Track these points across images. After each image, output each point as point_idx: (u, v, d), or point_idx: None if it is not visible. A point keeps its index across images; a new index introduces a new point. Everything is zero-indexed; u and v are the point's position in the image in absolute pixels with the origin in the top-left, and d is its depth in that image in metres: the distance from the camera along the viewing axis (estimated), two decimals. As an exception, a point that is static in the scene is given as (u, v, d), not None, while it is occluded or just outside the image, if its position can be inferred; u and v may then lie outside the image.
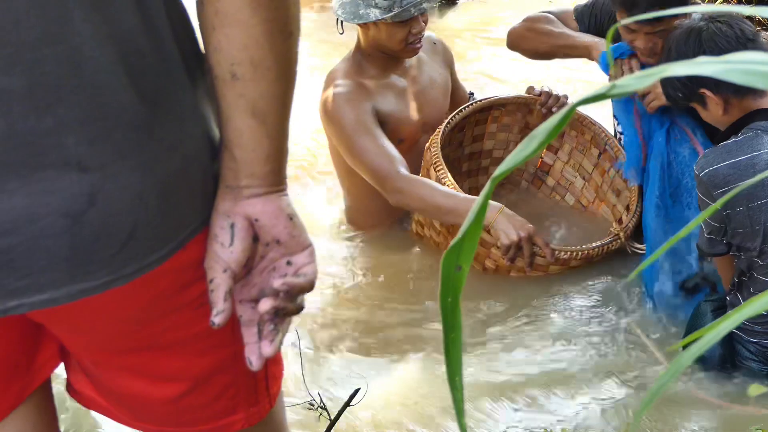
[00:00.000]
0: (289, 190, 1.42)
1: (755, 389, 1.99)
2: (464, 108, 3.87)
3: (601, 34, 3.71)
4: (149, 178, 1.30)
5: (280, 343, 1.43)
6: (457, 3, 6.93)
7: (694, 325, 3.20)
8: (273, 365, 1.57)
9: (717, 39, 2.99)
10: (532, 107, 4.00)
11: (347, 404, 2.86)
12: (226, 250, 1.37)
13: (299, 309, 1.43)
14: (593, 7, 3.82)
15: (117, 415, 1.57)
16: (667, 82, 3.15)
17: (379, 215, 3.92)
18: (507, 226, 3.43)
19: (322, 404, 2.93)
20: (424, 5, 3.66)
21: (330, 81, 3.78)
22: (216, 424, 1.55)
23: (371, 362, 3.30)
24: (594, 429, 2.97)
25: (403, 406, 3.06)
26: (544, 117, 3.95)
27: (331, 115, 3.70)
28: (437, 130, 3.70)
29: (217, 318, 1.36)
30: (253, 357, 1.41)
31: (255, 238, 1.39)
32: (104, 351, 1.44)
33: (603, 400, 3.10)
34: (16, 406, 1.46)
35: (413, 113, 3.84)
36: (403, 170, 3.59)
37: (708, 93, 3.02)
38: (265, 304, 1.38)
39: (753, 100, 3.02)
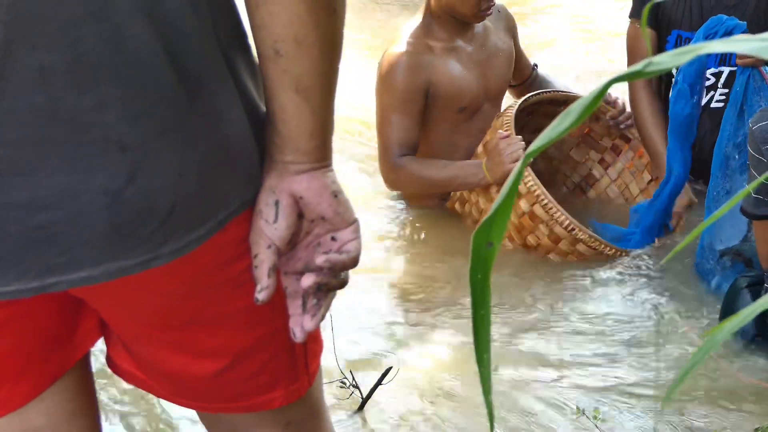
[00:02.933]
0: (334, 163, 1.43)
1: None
2: (540, 93, 3.87)
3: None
4: (189, 156, 1.31)
5: (323, 317, 1.45)
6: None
7: (729, 302, 3.17)
8: (312, 343, 1.57)
9: None
10: (600, 115, 3.96)
11: (379, 383, 2.88)
12: (270, 226, 1.38)
13: (343, 284, 1.45)
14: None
15: (157, 390, 1.58)
16: None
17: None
18: (497, 167, 3.54)
19: (354, 383, 2.94)
20: None
21: (397, 41, 3.82)
22: (255, 400, 1.56)
23: (404, 341, 3.31)
24: (625, 408, 2.96)
25: (434, 385, 3.07)
26: (608, 129, 3.95)
27: (384, 75, 3.77)
28: (507, 109, 3.70)
29: (261, 294, 1.38)
30: (297, 329, 1.43)
31: (300, 215, 1.39)
32: (144, 326, 1.45)
33: (635, 379, 3.10)
34: (56, 379, 1.48)
35: (477, 81, 3.86)
36: (406, 155, 3.73)
37: None
38: (308, 280, 1.40)
39: None
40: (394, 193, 4.08)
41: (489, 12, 3.76)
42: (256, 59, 1.37)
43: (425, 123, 3.80)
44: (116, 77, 1.25)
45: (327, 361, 2.97)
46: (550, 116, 3.94)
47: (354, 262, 1.43)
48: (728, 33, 3.44)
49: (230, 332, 1.47)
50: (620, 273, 3.59)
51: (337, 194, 1.40)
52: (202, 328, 1.45)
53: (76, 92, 1.23)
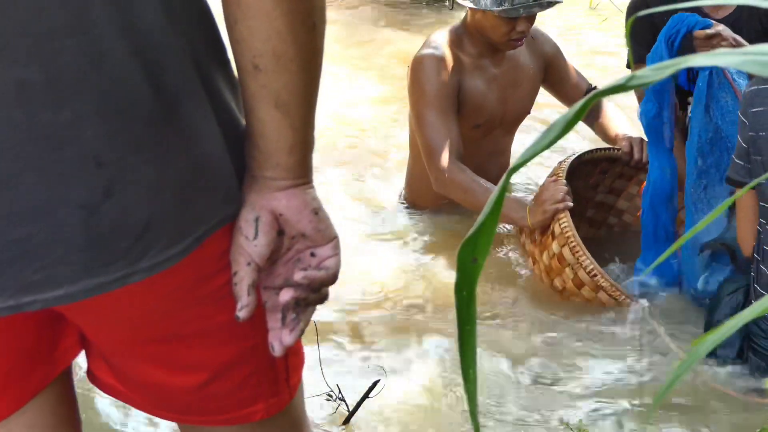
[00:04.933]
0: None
1: (772, 382, 2.00)
2: (595, 151, 3.86)
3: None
4: (165, 172, 1.30)
5: (301, 332, 1.45)
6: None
7: (713, 310, 3.18)
8: (293, 356, 1.57)
9: None
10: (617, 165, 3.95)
11: (366, 396, 2.87)
12: (250, 243, 1.37)
13: (322, 299, 1.45)
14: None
15: (138, 403, 1.57)
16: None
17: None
18: (538, 216, 3.50)
19: (340, 395, 2.93)
20: (534, 9, 3.65)
21: (428, 44, 3.83)
22: (236, 414, 1.55)
23: (391, 354, 3.30)
24: (610, 420, 2.96)
25: (421, 398, 3.06)
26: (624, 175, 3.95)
27: (417, 76, 3.77)
28: (570, 156, 3.70)
29: (242, 312, 1.38)
30: (276, 343, 1.43)
31: (280, 232, 1.39)
32: (124, 340, 1.45)
33: (619, 392, 3.10)
34: (37, 393, 1.47)
35: (497, 102, 3.87)
36: (456, 158, 3.67)
37: None
38: (287, 295, 1.40)
39: None
40: (401, 196, 4.08)
41: (520, 43, 3.75)
42: (236, 74, 1.37)
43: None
44: (93, 93, 1.24)
45: (313, 373, 2.97)
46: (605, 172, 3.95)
47: (333, 279, 1.43)
48: (690, 30, 3.43)
49: (210, 346, 1.47)
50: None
51: (317, 211, 1.40)
52: (182, 343, 1.44)
53: (54, 107, 1.23)
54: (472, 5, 3.71)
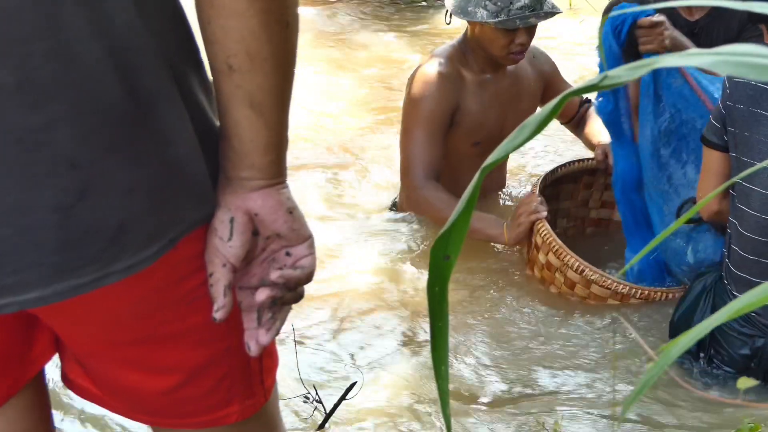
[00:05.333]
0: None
1: (743, 382, 2.00)
2: (568, 165, 3.89)
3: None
4: (139, 174, 1.30)
5: (277, 331, 1.44)
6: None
7: (686, 310, 3.20)
8: (267, 358, 1.57)
9: None
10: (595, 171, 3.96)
11: (343, 398, 2.87)
12: (225, 244, 1.37)
13: (298, 298, 1.44)
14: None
15: (112, 405, 1.57)
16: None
17: None
18: (514, 230, 3.54)
19: (317, 398, 2.93)
20: (532, 20, 3.63)
21: (432, 59, 3.81)
22: (211, 416, 1.54)
23: (368, 355, 3.30)
24: (584, 423, 2.97)
25: (398, 399, 3.06)
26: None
27: (415, 90, 3.75)
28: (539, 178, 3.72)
29: (218, 313, 1.37)
30: (252, 343, 1.43)
31: (255, 232, 1.39)
32: (99, 343, 1.44)
33: (592, 394, 3.11)
34: (10, 397, 1.46)
35: (497, 118, 3.84)
36: (431, 177, 3.69)
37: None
38: (262, 294, 1.39)
39: None
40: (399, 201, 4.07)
41: (521, 56, 3.73)
42: (210, 75, 1.37)
43: (451, 159, 3.77)
44: (66, 95, 1.23)
45: (290, 376, 2.96)
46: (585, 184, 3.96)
47: (309, 277, 1.43)
48: (635, 19, 3.42)
49: (185, 348, 1.46)
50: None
51: (292, 210, 1.40)
52: (156, 345, 1.44)
53: (27, 111, 1.22)
54: (469, 19, 3.67)
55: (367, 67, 5.69)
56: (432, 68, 3.75)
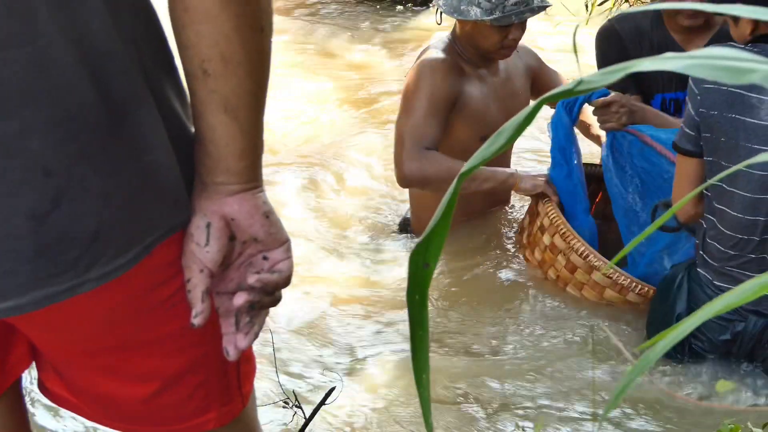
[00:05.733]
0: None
1: (722, 386, 2.02)
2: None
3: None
4: (113, 181, 1.29)
5: (256, 335, 1.44)
6: (429, 5, 6.93)
7: (662, 300, 3.23)
8: (245, 364, 1.56)
9: None
10: None
11: (322, 403, 2.86)
12: (202, 249, 1.37)
13: (276, 302, 1.44)
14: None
15: (89, 414, 1.56)
16: None
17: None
18: (527, 182, 3.57)
19: (296, 403, 2.92)
20: (527, 15, 3.62)
21: (432, 49, 3.77)
22: (188, 423, 1.54)
23: (347, 360, 3.30)
24: (566, 426, 2.97)
25: (377, 404, 3.06)
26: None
27: (418, 77, 3.69)
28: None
29: (197, 319, 1.37)
30: (230, 347, 1.43)
31: (232, 237, 1.39)
32: (75, 351, 1.43)
33: (572, 398, 3.11)
34: None
35: (500, 113, 3.78)
36: (429, 149, 3.59)
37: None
38: (240, 299, 1.39)
39: None
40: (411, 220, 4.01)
41: (512, 50, 3.72)
42: (184, 81, 1.36)
43: (447, 146, 3.70)
44: (41, 102, 1.23)
45: (269, 381, 2.96)
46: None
47: (286, 282, 1.43)
48: (588, 99, 3.55)
49: (162, 355, 1.46)
50: (554, 289, 3.59)
51: (268, 215, 1.40)
52: (133, 352, 1.43)
53: (1, 118, 1.22)
54: (462, 18, 3.65)
55: (345, 73, 5.69)
56: (432, 56, 3.72)
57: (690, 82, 3.03)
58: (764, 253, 3.01)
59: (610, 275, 3.39)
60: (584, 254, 3.39)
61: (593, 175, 3.80)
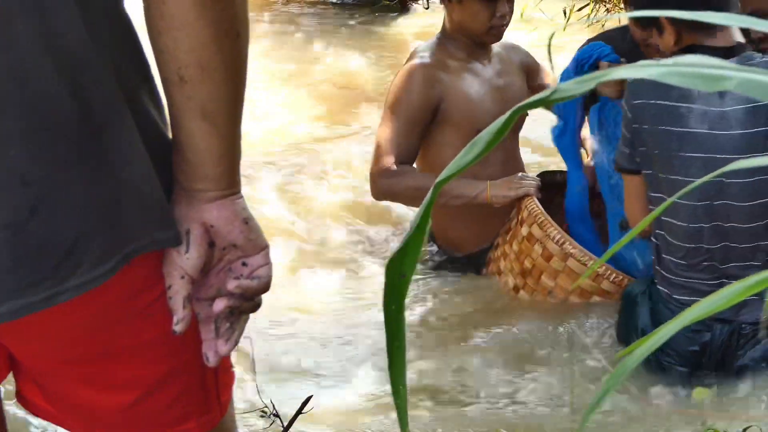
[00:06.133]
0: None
1: (699, 393, 2.03)
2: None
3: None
4: (91, 190, 1.29)
5: (236, 341, 1.44)
6: (409, 10, 6.94)
7: (626, 317, 3.25)
8: (223, 373, 1.56)
9: None
10: None
11: (299, 412, 2.86)
12: (182, 257, 1.37)
13: (256, 307, 1.45)
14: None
15: (69, 424, 1.55)
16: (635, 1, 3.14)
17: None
18: (500, 190, 3.54)
19: (274, 411, 2.92)
20: None
21: (415, 54, 3.77)
22: None
23: (326, 368, 3.30)
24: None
25: (355, 413, 3.06)
26: None
27: (396, 85, 3.69)
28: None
29: (178, 326, 1.37)
30: (210, 353, 1.43)
31: (211, 243, 1.39)
32: (54, 360, 1.43)
33: (549, 407, 3.11)
34: None
35: (495, 104, 3.74)
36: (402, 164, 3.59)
37: (666, 22, 3.05)
38: (220, 304, 1.40)
39: (703, 37, 3.03)
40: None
41: (502, 29, 3.71)
42: (161, 88, 1.36)
43: (441, 144, 3.69)
44: (19, 111, 1.23)
45: (248, 390, 2.95)
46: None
47: (266, 287, 1.43)
48: (599, 58, 3.55)
49: (141, 364, 1.45)
50: (532, 301, 3.59)
51: (247, 221, 1.40)
52: (112, 361, 1.43)
53: None
54: None
55: (323, 79, 5.68)
56: (412, 63, 3.72)
57: (623, 102, 3.08)
58: (714, 261, 3.05)
59: (585, 262, 3.40)
60: (560, 241, 3.40)
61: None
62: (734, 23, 0.69)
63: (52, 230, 1.27)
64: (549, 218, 3.43)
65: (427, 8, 3.91)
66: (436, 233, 3.89)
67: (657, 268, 3.16)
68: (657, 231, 3.12)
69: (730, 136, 2.95)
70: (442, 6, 3.79)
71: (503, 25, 3.70)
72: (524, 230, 3.49)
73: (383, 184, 3.60)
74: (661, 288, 3.15)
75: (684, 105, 2.97)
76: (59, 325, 1.35)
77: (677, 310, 3.06)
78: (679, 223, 3.04)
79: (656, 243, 3.15)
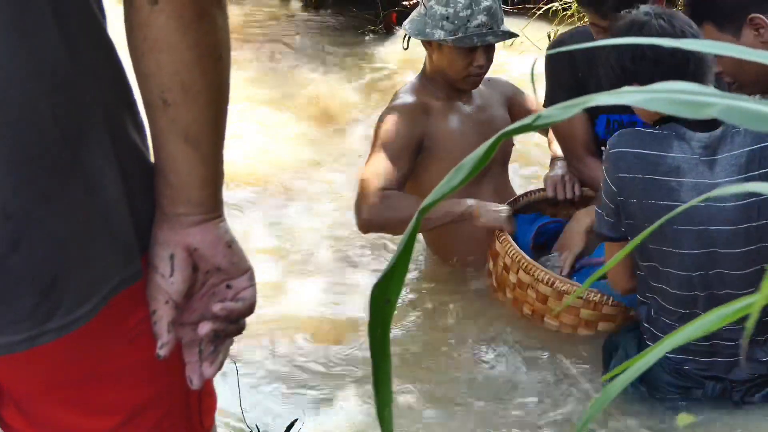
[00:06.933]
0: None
1: (683, 419, 2.02)
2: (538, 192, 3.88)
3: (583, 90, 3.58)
4: (70, 225, 1.29)
5: (221, 364, 1.44)
6: (395, 34, 6.95)
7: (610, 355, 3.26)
8: (207, 398, 1.56)
9: (656, 35, 2.92)
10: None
11: (285, 435, 2.85)
12: (166, 281, 1.37)
13: (240, 330, 1.45)
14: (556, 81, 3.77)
15: None
16: (612, 62, 3.07)
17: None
18: (487, 212, 3.56)
19: (259, 435, 2.91)
20: (489, 38, 3.64)
21: (395, 98, 3.81)
22: None
23: (310, 393, 3.29)
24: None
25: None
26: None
27: (378, 129, 3.71)
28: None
29: (162, 350, 1.37)
30: (194, 376, 1.43)
31: (195, 267, 1.39)
32: (36, 386, 1.42)
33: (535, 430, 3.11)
34: None
35: (480, 140, 3.66)
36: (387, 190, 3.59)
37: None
38: (204, 328, 1.39)
39: None
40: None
41: (479, 79, 3.73)
42: (143, 112, 1.36)
43: (428, 181, 3.69)
44: (2, 139, 1.22)
45: (232, 415, 2.94)
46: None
47: (250, 310, 1.43)
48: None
49: (124, 389, 1.45)
50: (515, 324, 3.58)
51: (230, 244, 1.40)
52: (95, 386, 1.43)
53: None
54: (427, 39, 3.69)
55: (308, 102, 5.68)
56: (395, 103, 3.76)
57: (603, 172, 3.03)
58: None
59: (579, 294, 3.39)
60: (551, 282, 3.39)
61: (539, 201, 3.87)
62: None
63: (32, 266, 1.27)
64: (529, 259, 3.44)
65: (406, 49, 3.90)
66: (429, 241, 3.96)
67: (647, 326, 3.13)
68: (648, 294, 3.10)
69: (722, 207, 2.92)
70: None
71: (480, 74, 3.73)
72: (512, 278, 3.49)
73: (371, 214, 3.59)
74: (651, 344, 3.10)
75: (674, 179, 2.93)
76: (41, 354, 1.35)
77: (668, 365, 3.09)
78: (673, 291, 3.01)
79: (648, 304, 3.12)
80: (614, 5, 3.31)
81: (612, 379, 0.78)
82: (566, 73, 3.69)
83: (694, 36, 2.98)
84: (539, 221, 3.78)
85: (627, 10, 3.10)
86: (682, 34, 2.96)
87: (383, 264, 3.81)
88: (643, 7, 3.06)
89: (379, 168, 3.61)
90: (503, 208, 3.58)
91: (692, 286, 2.99)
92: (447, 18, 3.61)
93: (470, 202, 3.59)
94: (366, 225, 3.65)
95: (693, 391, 3.09)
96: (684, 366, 3.06)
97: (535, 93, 3.40)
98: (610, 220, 3.03)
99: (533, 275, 3.41)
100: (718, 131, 2.96)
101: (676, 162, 2.93)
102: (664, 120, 3.00)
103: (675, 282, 3.00)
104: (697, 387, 3.09)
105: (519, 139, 4.18)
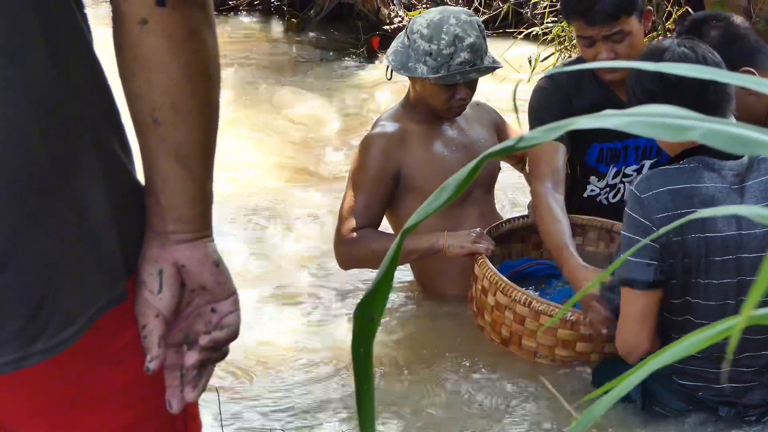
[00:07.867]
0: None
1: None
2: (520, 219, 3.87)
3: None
4: (58, 246, 1.29)
5: (203, 388, 1.44)
6: (378, 57, 6.97)
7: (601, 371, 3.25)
8: (191, 422, 1.55)
9: (678, 61, 2.90)
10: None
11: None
12: (155, 297, 1.37)
13: (223, 356, 1.44)
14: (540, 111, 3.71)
15: None
16: (633, 84, 3.04)
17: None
18: (456, 240, 3.54)
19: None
20: (472, 75, 3.64)
21: (376, 124, 3.81)
22: None
23: (293, 415, 3.28)
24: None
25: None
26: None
27: (357, 156, 3.72)
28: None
29: (152, 363, 1.37)
30: (174, 400, 1.42)
31: (182, 284, 1.39)
32: (22, 409, 1.42)
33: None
34: None
35: (460, 164, 3.64)
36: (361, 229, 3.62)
37: None
38: (191, 358, 1.39)
39: None
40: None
41: (461, 109, 3.72)
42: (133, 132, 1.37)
43: (409, 210, 3.66)
44: None
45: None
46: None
47: (234, 336, 1.43)
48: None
49: (110, 411, 1.44)
50: (495, 349, 3.58)
51: (218, 264, 1.40)
52: (80, 410, 1.42)
53: None
54: (409, 74, 3.68)
55: (289, 126, 5.69)
56: (371, 134, 3.76)
57: (634, 218, 2.95)
58: (723, 351, 2.93)
59: (553, 314, 3.37)
60: (528, 302, 3.39)
61: (520, 228, 3.86)
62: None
63: (19, 287, 1.26)
64: (507, 280, 3.43)
65: (389, 79, 3.91)
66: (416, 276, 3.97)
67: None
68: (668, 332, 3.02)
69: (754, 235, 2.92)
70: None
71: (463, 105, 3.72)
72: (491, 299, 3.48)
73: (346, 252, 3.65)
74: (676, 379, 3.08)
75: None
76: (27, 374, 1.34)
77: (679, 391, 3.07)
78: (698, 321, 2.95)
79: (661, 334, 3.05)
80: (602, 9, 3.34)
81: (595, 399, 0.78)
82: (556, 103, 3.67)
83: (717, 64, 2.97)
84: (522, 263, 3.79)
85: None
86: (704, 61, 2.96)
87: (365, 288, 3.80)
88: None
89: (354, 205, 3.65)
90: (474, 231, 3.57)
91: (721, 315, 2.89)
92: (430, 54, 3.60)
93: (437, 236, 3.58)
94: (344, 264, 3.72)
95: (706, 416, 3.07)
96: (697, 393, 3.05)
97: (518, 118, 3.40)
98: (649, 263, 2.93)
99: (510, 296, 3.40)
100: (746, 158, 2.96)
101: (710, 192, 2.91)
102: (689, 152, 2.98)
103: (701, 312, 2.96)
104: (711, 412, 3.07)
105: (506, 165, 4.18)
